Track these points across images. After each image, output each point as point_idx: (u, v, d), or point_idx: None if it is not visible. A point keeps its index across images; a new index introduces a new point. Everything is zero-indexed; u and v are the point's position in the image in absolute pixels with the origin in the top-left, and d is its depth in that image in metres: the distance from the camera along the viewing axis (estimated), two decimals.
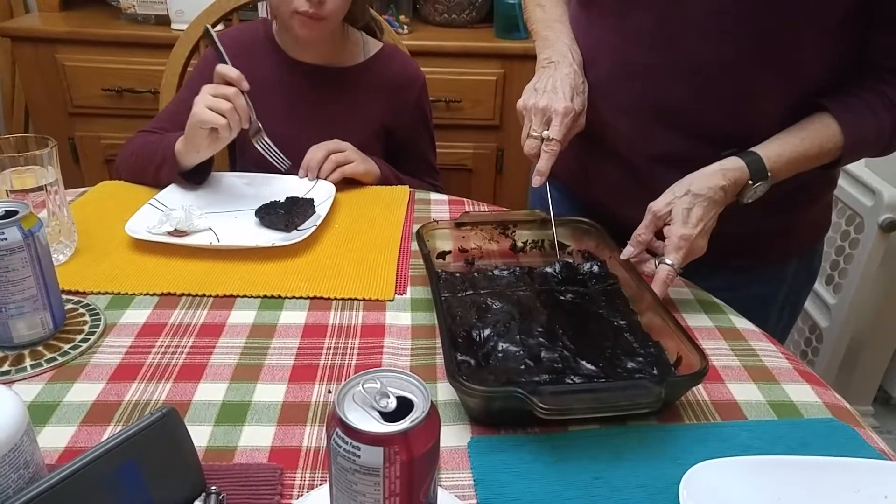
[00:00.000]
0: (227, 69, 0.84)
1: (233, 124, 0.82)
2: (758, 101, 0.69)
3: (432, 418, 0.36)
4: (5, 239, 0.56)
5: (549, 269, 0.72)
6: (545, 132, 0.69)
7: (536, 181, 0.69)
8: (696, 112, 0.70)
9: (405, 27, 1.70)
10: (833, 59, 0.67)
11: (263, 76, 0.96)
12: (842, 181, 1.43)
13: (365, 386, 0.37)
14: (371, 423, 0.35)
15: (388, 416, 0.36)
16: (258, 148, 0.90)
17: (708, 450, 0.48)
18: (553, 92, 0.70)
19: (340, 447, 0.35)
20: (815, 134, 0.66)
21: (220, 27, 1.31)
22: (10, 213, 0.57)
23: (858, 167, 1.41)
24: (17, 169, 0.72)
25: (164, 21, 1.65)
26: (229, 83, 0.83)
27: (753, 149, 0.66)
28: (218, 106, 0.81)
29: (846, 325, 1.42)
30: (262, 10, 1.63)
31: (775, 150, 0.66)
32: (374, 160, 1.00)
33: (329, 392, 0.55)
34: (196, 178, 0.90)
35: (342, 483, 0.36)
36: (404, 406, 0.36)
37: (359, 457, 0.34)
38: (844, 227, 1.42)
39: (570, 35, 0.78)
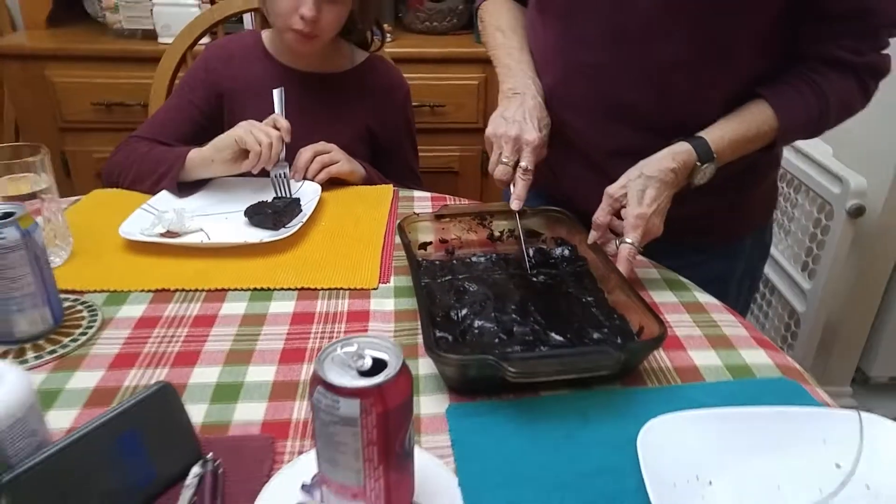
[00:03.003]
0: (282, 119, 0.93)
1: (262, 158, 0.89)
2: (702, 94, 0.74)
3: (404, 375, 0.40)
4: (4, 238, 0.59)
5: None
6: (522, 162, 0.73)
7: (516, 205, 0.74)
8: (644, 107, 0.75)
9: (388, 35, 1.75)
10: (768, 53, 0.73)
11: (255, 81, 1.00)
12: (811, 170, 1.49)
13: (343, 349, 0.41)
14: (348, 379, 0.39)
15: (365, 374, 0.39)
16: (272, 176, 0.94)
17: (667, 408, 0.51)
18: (523, 122, 0.74)
19: (321, 402, 0.39)
20: (753, 118, 0.72)
21: (205, 39, 1.35)
22: (7, 215, 0.61)
23: (826, 157, 1.46)
24: (11, 176, 0.75)
25: (150, 35, 1.69)
26: (277, 129, 0.91)
27: (699, 133, 0.71)
28: (259, 137, 0.88)
29: (821, 309, 1.47)
30: (247, 23, 1.68)
31: (718, 134, 0.71)
32: (358, 162, 1.05)
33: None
34: (188, 189, 0.95)
35: (325, 436, 0.40)
36: (379, 365, 0.40)
37: (338, 409, 0.38)
38: (816, 214, 1.47)
39: (531, 66, 0.82)
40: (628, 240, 0.67)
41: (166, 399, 0.46)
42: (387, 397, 0.38)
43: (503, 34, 0.87)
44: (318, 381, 0.39)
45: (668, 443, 0.47)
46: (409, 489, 0.44)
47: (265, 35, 1.09)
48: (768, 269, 1.66)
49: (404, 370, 0.40)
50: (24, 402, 0.41)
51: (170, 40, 1.36)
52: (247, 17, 1.69)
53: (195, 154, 0.93)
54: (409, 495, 0.44)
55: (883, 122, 1.38)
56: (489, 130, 0.76)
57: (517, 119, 0.74)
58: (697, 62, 0.71)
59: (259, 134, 0.89)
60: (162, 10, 1.64)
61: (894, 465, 0.47)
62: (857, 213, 1.33)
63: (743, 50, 0.71)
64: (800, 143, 1.53)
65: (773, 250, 1.64)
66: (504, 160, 0.74)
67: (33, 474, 0.39)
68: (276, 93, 0.98)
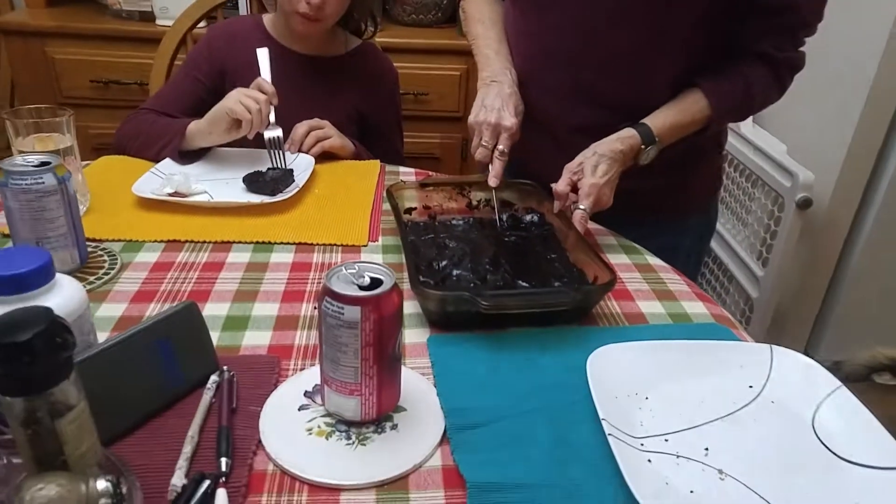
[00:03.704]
0: (266, 83, 1.00)
1: (254, 124, 0.96)
2: (654, 78, 0.85)
3: (396, 291, 0.49)
4: (43, 183, 0.67)
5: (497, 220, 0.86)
6: (500, 146, 0.82)
7: (493, 182, 0.83)
8: (604, 89, 0.86)
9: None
10: (707, 45, 0.84)
11: (255, 61, 1.08)
12: (767, 166, 1.61)
13: (346, 270, 0.50)
14: (352, 291, 0.48)
15: (364, 289, 0.48)
16: (266, 140, 1.01)
17: (614, 342, 0.62)
18: (502, 110, 0.83)
19: (329, 309, 0.48)
20: (690, 106, 0.83)
21: (202, 24, 1.42)
22: (44, 163, 0.68)
23: (780, 154, 1.59)
24: (39, 135, 0.83)
25: (148, 17, 1.75)
26: (264, 93, 0.98)
27: (643, 120, 0.83)
28: (248, 104, 0.95)
29: (773, 295, 1.59)
30: (243, 8, 1.74)
31: (660, 120, 0.82)
32: (348, 139, 1.13)
33: (315, 308, 0.68)
34: (190, 157, 1.02)
35: (330, 338, 0.48)
36: (376, 283, 0.49)
37: (343, 314, 0.47)
38: (770, 207, 1.60)
39: (508, 58, 0.92)
40: (581, 206, 0.77)
41: (192, 315, 0.55)
42: (382, 306, 0.48)
43: (483, 25, 0.96)
44: (326, 292, 0.48)
45: (613, 365, 0.57)
46: (396, 392, 0.53)
47: (266, 18, 1.17)
48: (726, 258, 1.78)
49: (396, 288, 0.49)
50: (81, 303, 0.49)
51: (167, 22, 1.43)
52: (242, 2, 1.76)
53: (194, 126, 1.00)
54: (397, 397, 0.53)
55: (831, 123, 1.51)
56: (471, 118, 0.85)
57: (496, 107, 0.84)
58: (651, 50, 0.82)
59: (248, 101, 0.96)
60: None
61: (795, 386, 0.58)
62: (805, 204, 1.45)
63: (688, 41, 0.82)
64: (758, 142, 1.66)
65: (731, 240, 1.77)
66: (484, 144, 0.83)
67: (95, 361, 0.47)
68: (260, 53, 1.04)
